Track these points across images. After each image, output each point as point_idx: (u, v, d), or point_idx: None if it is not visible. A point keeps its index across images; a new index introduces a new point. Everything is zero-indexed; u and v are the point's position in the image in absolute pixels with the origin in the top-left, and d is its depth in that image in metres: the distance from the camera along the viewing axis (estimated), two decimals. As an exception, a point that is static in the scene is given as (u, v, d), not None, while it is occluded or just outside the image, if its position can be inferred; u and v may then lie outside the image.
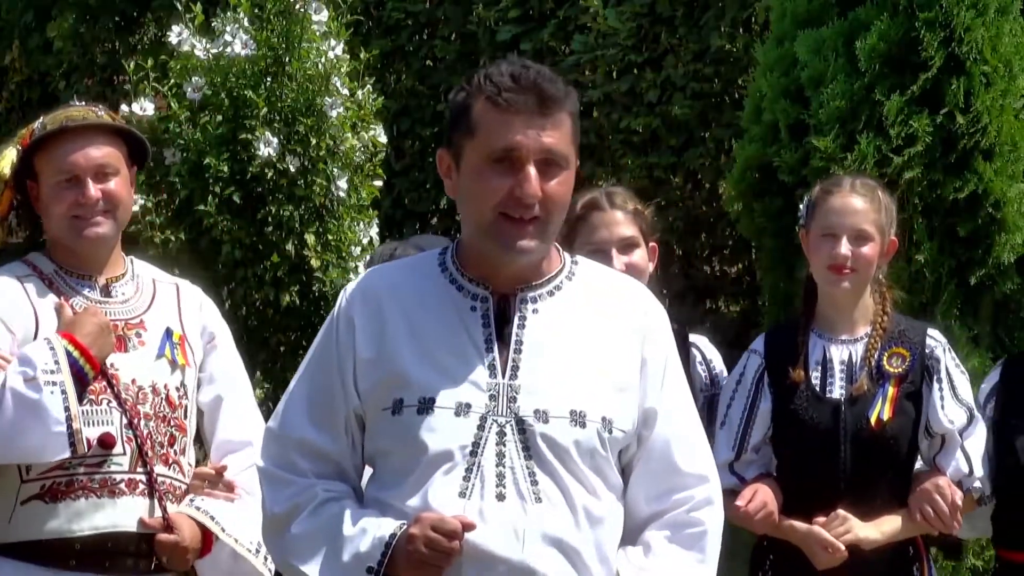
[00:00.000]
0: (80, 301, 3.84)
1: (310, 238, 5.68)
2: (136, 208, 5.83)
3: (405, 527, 2.86)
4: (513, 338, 2.96)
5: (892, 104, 5.53)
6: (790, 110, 5.79)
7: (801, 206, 4.29)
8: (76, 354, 3.69)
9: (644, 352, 3.03)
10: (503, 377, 2.93)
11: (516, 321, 2.97)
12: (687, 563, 3.00)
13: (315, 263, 5.67)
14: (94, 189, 3.81)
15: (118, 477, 3.75)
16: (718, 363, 4.33)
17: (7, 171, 3.89)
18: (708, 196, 8.19)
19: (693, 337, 4.32)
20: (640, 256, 4.12)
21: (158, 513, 3.78)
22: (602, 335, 3.01)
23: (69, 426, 3.62)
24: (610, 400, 2.97)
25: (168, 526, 3.77)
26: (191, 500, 3.86)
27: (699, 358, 4.28)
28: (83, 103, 4.02)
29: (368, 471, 3.09)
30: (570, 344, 2.98)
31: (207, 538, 3.84)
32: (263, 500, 3.06)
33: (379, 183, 6.01)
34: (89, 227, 3.83)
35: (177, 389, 3.87)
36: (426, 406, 2.91)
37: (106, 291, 3.90)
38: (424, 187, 9.03)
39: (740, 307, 8.22)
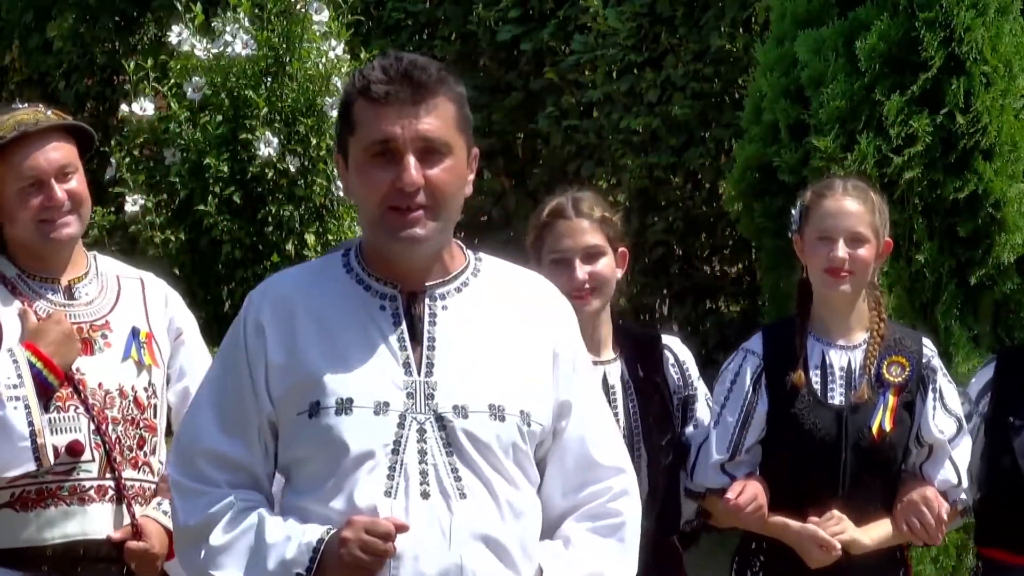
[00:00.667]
0: (44, 305, 3.80)
1: (310, 238, 5.68)
2: (136, 208, 5.85)
3: (333, 531, 2.83)
4: (425, 335, 2.94)
5: (892, 104, 5.53)
6: (790, 110, 5.79)
7: (793, 211, 4.27)
8: (39, 365, 3.67)
9: (554, 345, 3.02)
10: (419, 375, 2.91)
11: (427, 318, 2.95)
12: (608, 553, 3.00)
13: (315, 263, 5.67)
14: (60, 190, 3.79)
15: (87, 484, 3.73)
16: (691, 364, 4.30)
17: None
18: (708, 196, 8.19)
19: (666, 339, 4.29)
20: (605, 264, 4.06)
21: (127, 519, 3.76)
22: (512, 330, 2.99)
23: (33, 440, 3.61)
24: (526, 394, 2.95)
25: (137, 532, 3.76)
26: (159, 503, 3.83)
27: (672, 360, 4.25)
28: (25, 104, 3.99)
29: (279, 481, 3.05)
30: (482, 339, 2.96)
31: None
32: (175, 513, 2.99)
33: (379, 183, 6.00)
34: (57, 228, 3.79)
35: (145, 389, 3.85)
36: (344, 407, 2.87)
37: (70, 293, 3.86)
38: (424, 187, 9.01)
39: (740, 307, 8.22)
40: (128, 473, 3.77)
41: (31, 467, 3.62)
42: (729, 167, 6.60)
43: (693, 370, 4.28)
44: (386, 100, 2.86)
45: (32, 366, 3.66)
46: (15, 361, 3.65)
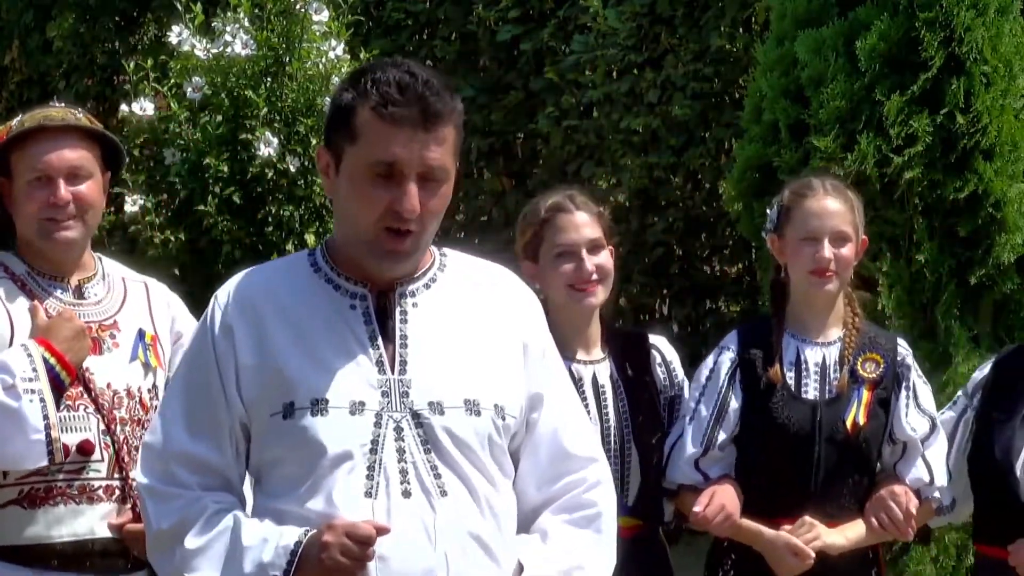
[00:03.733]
0: (53, 303, 3.80)
1: (310, 238, 5.68)
2: (136, 208, 5.85)
3: (310, 534, 2.81)
4: (397, 333, 2.92)
5: (892, 104, 5.53)
6: (790, 110, 5.79)
7: (769, 211, 4.27)
8: (53, 361, 3.67)
9: (523, 337, 3.02)
10: (392, 373, 2.89)
11: (397, 316, 2.94)
12: (586, 545, 2.99)
13: (315, 263, 5.66)
14: (65, 190, 3.77)
15: (96, 484, 3.73)
16: (677, 364, 4.31)
17: None
18: (708, 196, 8.19)
19: (653, 338, 4.31)
20: (606, 258, 4.12)
21: (129, 515, 3.77)
22: (482, 323, 2.99)
23: (48, 435, 3.61)
24: (499, 387, 2.95)
25: (136, 518, 3.75)
26: None
27: (659, 359, 4.26)
28: (62, 104, 3.98)
29: (248, 483, 3.03)
30: (453, 334, 2.96)
31: None
32: (147, 517, 2.96)
33: (379, 183, 6.00)
34: (59, 230, 3.78)
35: (149, 391, 3.84)
36: (320, 407, 2.85)
37: (79, 292, 3.85)
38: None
39: (740, 307, 8.22)
40: (135, 473, 3.77)
41: (43, 462, 3.62)
42: (729, 167, 6.60)
43: (679, 370, 4.30)
44: (398, 122, 2.84)
45: (46, 362, 3.66)
46: (30, 355, 3.66)
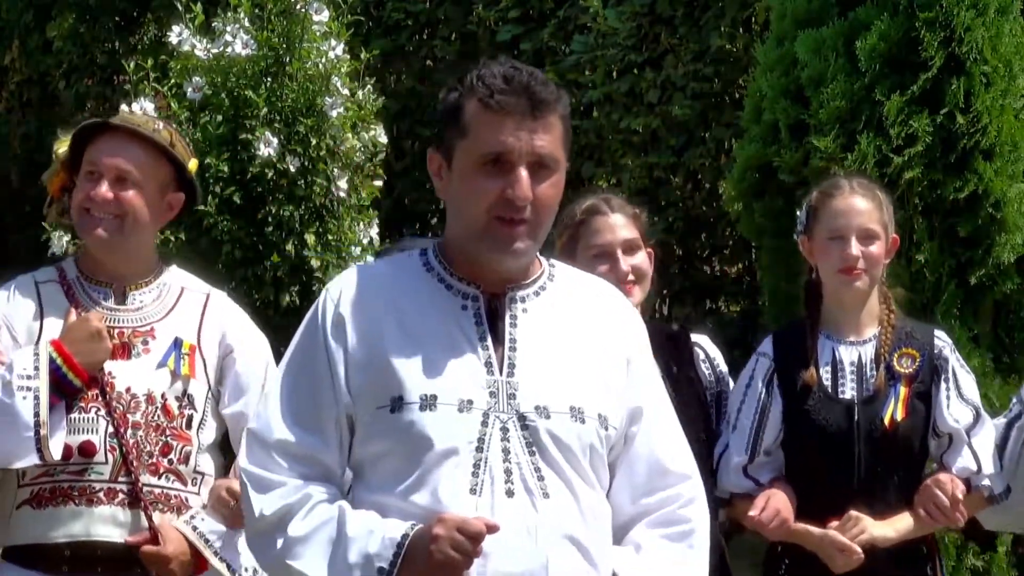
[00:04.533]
0: (91, 307, 3.83)
1: (310, 238, 5.68)
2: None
3: (417, 527, 2.82)
4: (507, 336, 2.95)
5: (892, 104, 5.53)
6: (790, 110, 5.79)
7: (799, 212, 4.29)
8: (59, 361, 3.68)
9: (627, 352, 3.05)
10: (500, 374, 2.92)
11: (507, 320, 2.97)
12: (679, 560, 3.00)
13: (315, 263, 5.67)
14: (107, 190, 3.80)
15: (97, 486, 3.74)
16: (720, 361, 4.36)
17: (63, 153, 3.92)
18: (708, 196, 8.19)
19: (695, 336, 4.34)
20: (642, 259, 4.15)
21: (143, 522, 3.76)
22: (588, 334, 3.02)
23: (37, 432, 3.62)
24: (602, 397, 2.97)
25: (153, 537, 3.76)
26: (191, 517, 3.84)
27: (702, 356, 4.31)
28: (156, 114, 4.04)
29: (348, 475, 3.04)
30: (560, 342, 2.98)
31: (203, 557, 3.82)
32: (248, 504, 2.96)
33: (379, 183, 6.01)
34: (94, 225, 3.82)
35: (178, 399, 3.84)
36: (428, 402, 2.87)
37: (122, 298, 3.88)
38: (424, 187, 9.03)
39: (740, 307, 8.23)
40: (146, 479, 3.77)
41: (34, 459, 3.63)
42: (729, 167, 6.60)
43: (723, 366, 4.33)
44: (506, 111, 2.87)
45: (52, 361, 3.67)
46: (36, 354, 3.68)
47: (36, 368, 3.66)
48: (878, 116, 5.57)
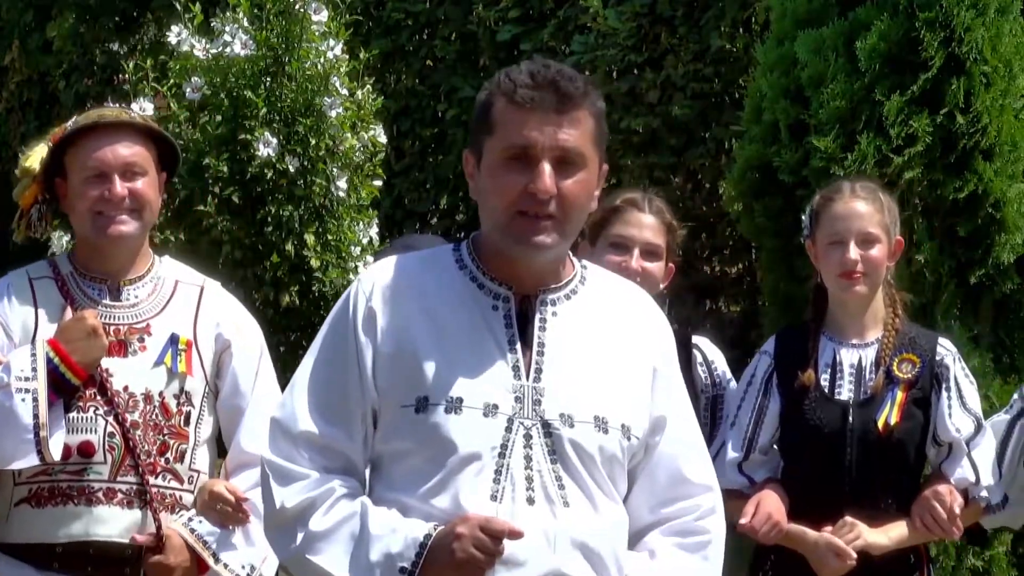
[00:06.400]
0: (87, 304, 3.81)
1: (310, 238, 5.67)
2: (135, 208, 5.84)
3: (440, 528, 2.80)
4: (536, 340, 2.93)
5: (892, 104, 5.52)
6: (790, 110, 5.79)
7: (804, 217, 4.29)
8: (56, 360, 3.67)
9: (654, 360, 3.02)
10: (527, 379, 2.90)
11: (537, 323, 2.94)
12: (693, 570, 2.99)
13: (315, 263, 5.66)
14: (121, 186, 3.78)
15: (96, 486, 3.73)
16: (720, 364, 4.34)
17: (36, 166, 3.89)
18: (708, 196, 8.19)
19: (695, 338, 4.34)
20: (658, 267, 4.12)
21: (150, 524, 3.75)
22: (616, 341, 2.99)
23: (36, 434, 3.61)
24: (627, 407, 2.96)
25: (159, 541, 3.75)
26: (189, 519, 3.83)
27: (700, 359, 4.30)
28: (117, 104, 4.02)
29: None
30: (588, 348, 2.96)
31: (202, 560, 3.81)
32: (270, 494, 2.93)
33: (379, 183, 6.01)
34: (113, 224, 3.79)
35: (176, 396, 3.82)
36: (454, 405, 2.85)
37: (117, 294, 3.86)
38: (424, 187, 9.04)
39: (740, 307, 8.22)
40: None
41: (34, 460, 3.63)
42: (729, 167, 6.59)
43: (723, 369, 4.31)
44: (531, 106, 2.85)
45: (50, 361, 3.66)
46: (33, 355, 3.67)
47: (34, 369, 3.64)
48: (878, 116, 5.57)
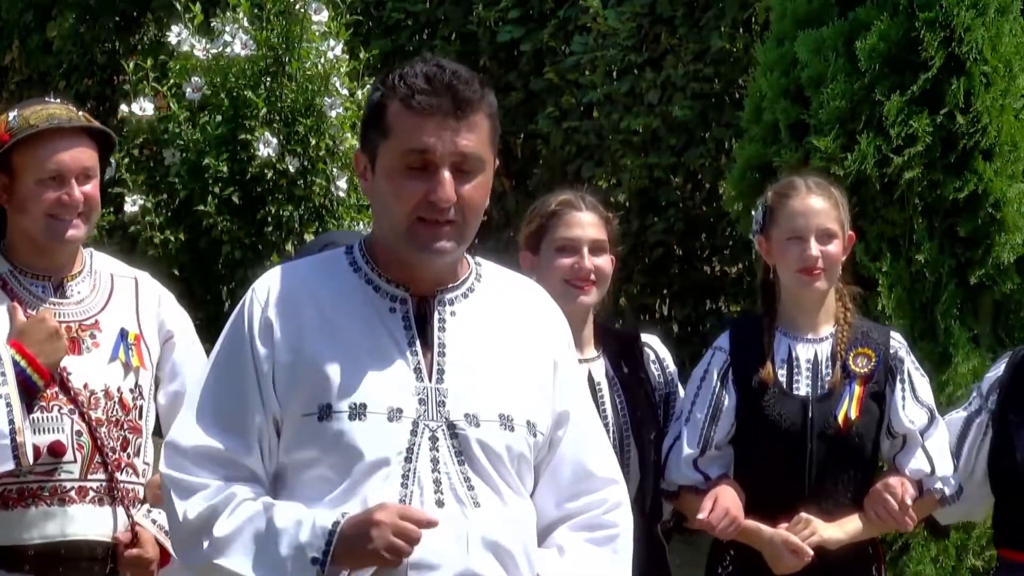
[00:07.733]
0: (34, 303, 3.77)
1: (309, 238, 5.68)
2: (136, 208, 5.85)
3: (348, 515, 2.76)
4: (436, 341, 2.90)
5: (892, 104, 5.53)
6: (790, 110, 5.79)
7: (755, 213, 4.28)
8: (23, 364, 3.63)
9: (555, 355, 3.00)
10: (430, 381, 2.87)
11: (436, 324, 2.91)
12: (603, 563, 2.98)
13: (315, 263, 5.66)
14: (78, 191, 3.76)
15: (68, 485, 3.70)
16: (670, 362, 4.35)
17: None
18: (708, 196, 8.20)
19: (646, 337, 4.34)
20: (606, 261, 4.14)
21: (122, 520, 3.73)
22: (516, 337, 2.97)
23: (13, 439, 3.58)
24: (531, 403, 2.93)
25: (135, 537, 3.73)
26: (148, 511, 3.80)
27: (651, 357, 4.31)
28: (58, 100, 3.95)
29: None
30: (489, 347, 2.93)
31: (166, 551, 3.80)
32: (172, 508, 2.87)
33: (379, 183, 6.00)
34: (70, 229, 3.75)
35: (131, 391, 3.81)
36: (358, 411, 2.81)
37: (61, 291, 3.82)
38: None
39: (740, 307, 8.22)
40: (109, 475, 3.75)
41: (10, 465, 3.58)
42: (729, 167, 6.60)
43: (672, 367, 4.32)
44: (428, 111, 2.81)
45: (16, 364, 3.63)
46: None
47: (3, 373, 3.61)
48: (878, 116, 5.57)
